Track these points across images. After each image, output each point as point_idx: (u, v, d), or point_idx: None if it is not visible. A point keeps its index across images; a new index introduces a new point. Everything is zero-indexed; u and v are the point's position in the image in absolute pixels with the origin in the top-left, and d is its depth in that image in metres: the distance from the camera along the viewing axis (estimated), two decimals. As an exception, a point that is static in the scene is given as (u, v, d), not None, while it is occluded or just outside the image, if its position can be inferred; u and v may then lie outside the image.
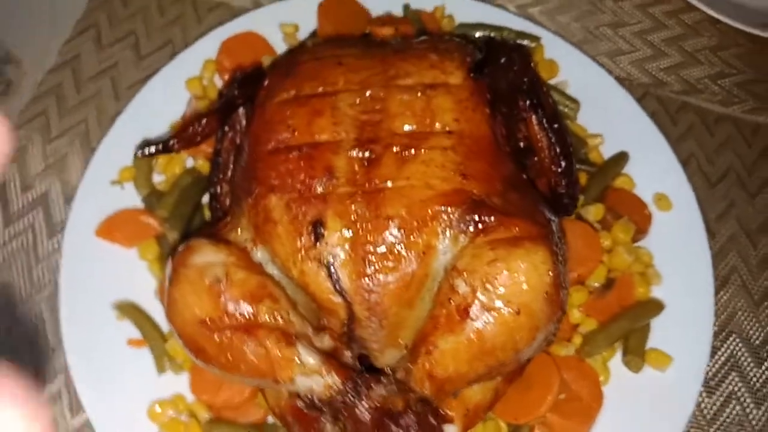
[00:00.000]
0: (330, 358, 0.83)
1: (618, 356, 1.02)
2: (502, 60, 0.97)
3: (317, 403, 0.84)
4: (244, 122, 1.04)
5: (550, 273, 0.80)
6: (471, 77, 0.93)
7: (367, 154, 0.89)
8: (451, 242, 0.84)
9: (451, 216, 0.84)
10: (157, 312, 1.04)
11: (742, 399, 1.05)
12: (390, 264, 0.84)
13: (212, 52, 1.22)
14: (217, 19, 1.34)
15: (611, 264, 1.05)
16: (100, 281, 1.05)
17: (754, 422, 1.03)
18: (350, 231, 0.85)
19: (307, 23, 1.25)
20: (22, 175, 1.20)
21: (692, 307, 1.03)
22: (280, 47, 1.24)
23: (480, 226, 0.83)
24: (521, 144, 0.95)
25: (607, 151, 1.15)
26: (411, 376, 0.82)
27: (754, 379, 1.06)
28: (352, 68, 0.96)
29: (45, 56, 1.32)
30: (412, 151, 0.88)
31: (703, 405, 1.04)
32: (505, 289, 0.79)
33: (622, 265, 1.04)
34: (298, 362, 0.80)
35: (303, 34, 1.25)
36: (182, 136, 1.00)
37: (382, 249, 0.84)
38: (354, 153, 0.89)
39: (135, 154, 1.03)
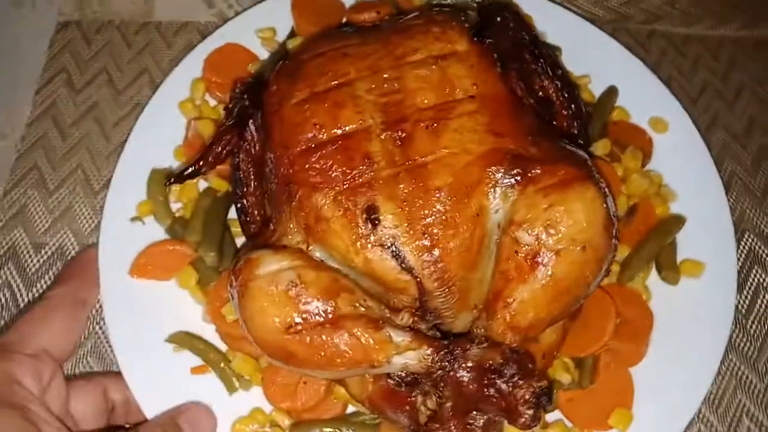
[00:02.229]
0: (417, 332, 0.85)
1: (654, 275, 1.08)
2: (497, 20, 1.01)
3: (408, 378, 0.87)
4: (255, 132, 1.04)
5: (604, 206, 0.85)
6: (475, 42, 0.97)
7: (398, 133, 0.91)
8: (501, 199, 0.88)
9: (496, 174, 0.88)
10: (210, 335, 1.04)
11: None
12: (449, 232, 0.87)
13: (197, 71, 1.21)
14: (186, 40, 1.33)
15: (629, 191, 1.11)
16: (146, 320, 1.04)
17: (783, 308, 1.12)
18: (403, 210, 0.87)
19: (284, 24, 1.25)
20: (30, 236, 1.17)
21: (710, 213, 1.10)
22: (262, 53, 1.24)
23: (526, 177, 0.87)
24: (540, 94, 0.99)
25: (596, 89, 1.21)
26: (493, 331, 0.86)
27: None
28: (358, 56, 0.98)
29: (18, 111, 1.28)
30: (442, 121, 0.91)
31: (735, 302, 1.12)
32: (567, 229, 0.84)
33: (638, 190, 1.11)
34: (391, 343, 0.83)
35: (280, 36, 1.26)
36: (208, 156, 0.99)
37: (437, 220, 0.87)
38: (386, 135, 0.91)
39: (163, 184, 1.02)
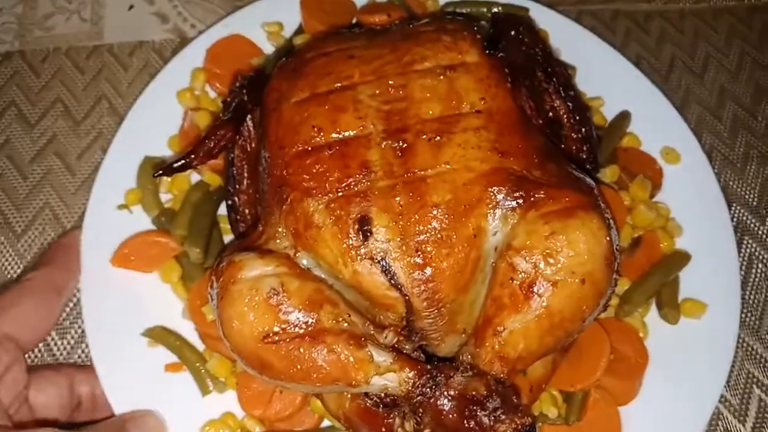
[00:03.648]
0: (400, 353, 0.81)
1: (653, 312, 1.04)
2: (512, 33, 0.97)
3: (387, 399, 0.83)
4: (252, 128, 1.01)
5: (608, 238, 0.81)
6: (487, 54, 0.93)
7: (399, 143, 0.87)
8: (500, 221, 0.84)
9: (497, 195, 0.84)
10: (188, 333, 1.00)
11: (761, 257, 1.16)
12: (443, 251, 0.83)
13: (198, 60, 1.17)
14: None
15: (634, 222, 1.07)
16: (124, 311, 1.00)
17: (777, 274, 1.14)
18: (398, 224, 0.83)
19: (291, 20, 1.22)
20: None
21: (716, 252, 1.06)
22: (267, 47, 1.21)
23: (529, 201, 0.83)
24: (550, 114, 0.95)
25: (608, 112, 1.17)
26: (480, 360, 0.82)
27: (765, 236, 1.17)
28: (364, 59, 0.94)
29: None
30: (445, 135, 0.87)
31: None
32: (567, 260, 0.80)
33: (644, 222, 1.07)
34: (372, 362, 0.79)
35: (287, 32, 1.22)
36: (200, 150, 0.96)
37: (432, 237, 0.83)
38: (386, 144, 0.87)
39: (152, 175, 0.98)
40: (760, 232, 1.17)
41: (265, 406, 0.95)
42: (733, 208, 1.18)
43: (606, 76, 1.19)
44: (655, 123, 1.16)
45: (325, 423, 0.97)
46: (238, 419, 0.96)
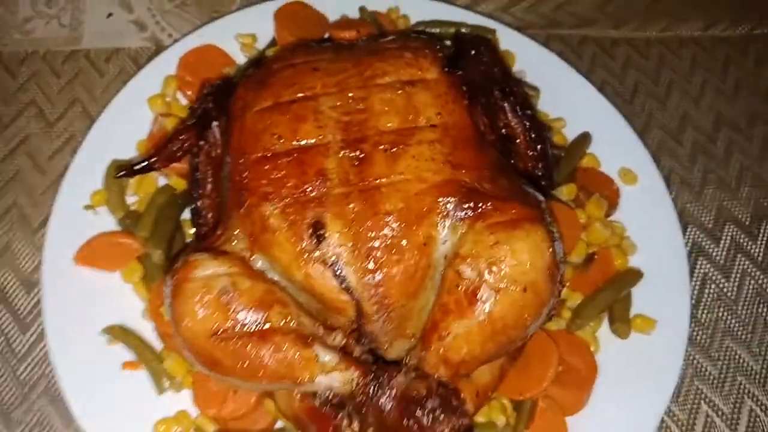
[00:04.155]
0: (347, 354, 0.84)
1: (605, 326, 1.07)
2: (472, 53, 1.01)
3: (335, 400, 0.85)
4: (218, 135, 1.03)
5: (550, 250, 0.84)
6: (446, 72, 0.96)
7: (356, 153, 0.90)
8: (450, 231, 0.87)
9: (447, 206, 0.87)
10: (148, 333, 1.02)
11: (714, 278, 1.19)
12: (393, 257, 0.86)
13: (171, 68, 1.20)
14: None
15: (589, 239, 1.10)
16: (85, 309, 1.02)
17: (729, 294, 1.17)
18: (350, 230, 0.86)
19: (265, 32, 1.25)
20: (-34, 281, 1.09)
21: (668, 271, 1.09)
22: (240, 58, 1.24)
23: (477, 212, 0.86)
24: (503, 131, 0.98)
25: (569, 133, 1.20)
26: (425, 363, 0.84)
27: (719, 258, 1.21)
28: (328, 72, 0.98)
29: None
30: (401, 146, 0.90)
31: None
32: (510, 269, 0.82)
33: (599, 239, 1.10)
34: (318, 361, 0.81)
35: (261, 44, 1.25)
36: (163, 153, 0.98)
37: (383, 244, 0.86)
38: (343, 153, 0.90)
39: (113, 176, 1.01)
40: (714, 254, 1.20)
41: (220, 405, 0.96)
42: (689, 229, 1.22)
43: (569, 99, 1.22)
44: (615, 145, 1.19)
45: (279, 424, 0.98)
46: (192, 418, 0.97)
